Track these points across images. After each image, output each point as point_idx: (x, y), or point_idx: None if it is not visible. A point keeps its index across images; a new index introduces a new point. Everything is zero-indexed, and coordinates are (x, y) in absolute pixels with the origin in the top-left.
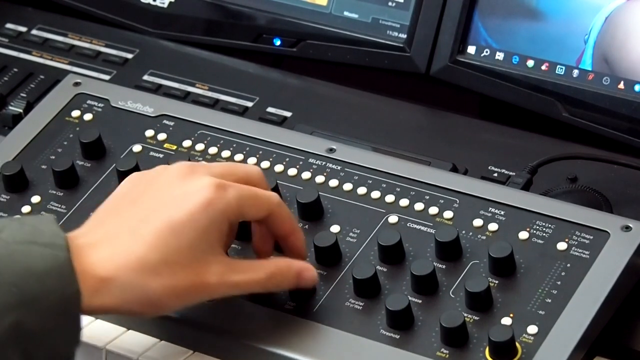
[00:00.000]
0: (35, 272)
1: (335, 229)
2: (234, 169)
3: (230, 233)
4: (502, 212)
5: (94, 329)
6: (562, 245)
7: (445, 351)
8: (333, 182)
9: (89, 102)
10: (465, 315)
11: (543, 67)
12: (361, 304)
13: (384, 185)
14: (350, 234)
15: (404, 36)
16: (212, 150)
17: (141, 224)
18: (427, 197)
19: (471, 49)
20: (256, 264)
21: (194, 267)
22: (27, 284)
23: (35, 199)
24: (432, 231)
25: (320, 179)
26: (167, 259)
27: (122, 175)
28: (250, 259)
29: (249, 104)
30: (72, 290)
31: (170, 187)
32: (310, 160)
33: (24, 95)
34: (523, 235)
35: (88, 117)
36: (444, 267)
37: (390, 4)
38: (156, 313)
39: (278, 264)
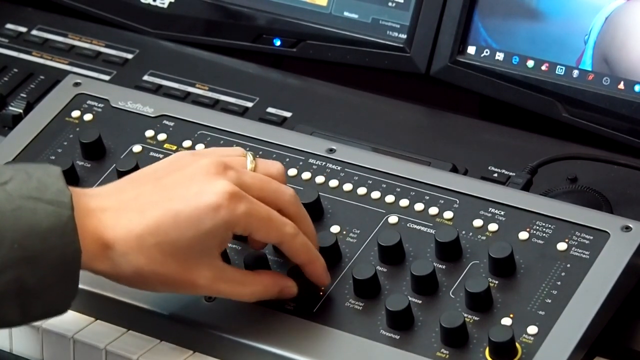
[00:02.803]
0: (38, 230)
1: (335, 229)
2: (266, 186)
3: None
4: (502, 213)
5: (94, 329)
6: (562, 246)
7: (445, 351)
8: (333, 183)
9: (89, 102)
10: (465, 315)
11: (543, 68)
12: (361, 304)
13: (384, 186)
14: (350, 234)
15: (404, 36)
16: None
17: (151, 206)
18: (427, 198)
19: (471, 49)
20: (245, 278)
21: (186, 264)
22: (29, 242)
23: None
24: (432, 231)
25: (320, 179)
26: (163, 248)
27: (122, 175)
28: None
29: (249, 104)
30: (72, 249)
31: (193, 180)
32: (310, 160)
33: (24, 95)
34: (523, 235)
35: (88, 117)
36: (444, 267)
37: (390, 4)
38: (145, 290)
39: (264, 282)
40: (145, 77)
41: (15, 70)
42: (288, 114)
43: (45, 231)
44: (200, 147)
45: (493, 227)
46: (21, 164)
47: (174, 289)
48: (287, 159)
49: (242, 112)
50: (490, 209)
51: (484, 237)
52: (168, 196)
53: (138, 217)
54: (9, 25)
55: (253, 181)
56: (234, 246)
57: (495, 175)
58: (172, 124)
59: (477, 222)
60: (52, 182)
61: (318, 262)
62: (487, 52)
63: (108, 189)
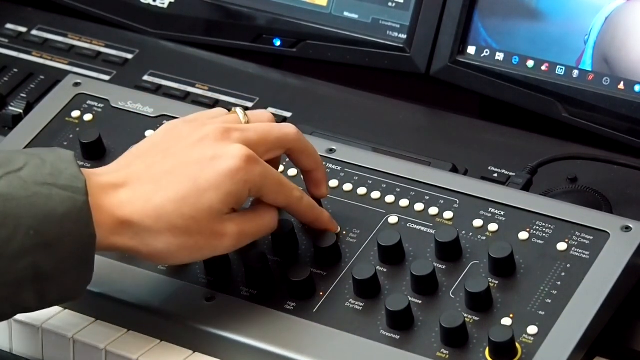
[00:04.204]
0: (54, 216)
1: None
2: (270, 133)
3: None
4: (502, 213)
5: (94, 329)
6: (562, 246)
7: (445, 351)
8: (333, 183)
9: (89, 102)
10: (465, 315)
11: (543, 68)
12: (361, 304)
13: (384, 186)
14: (351, 234)
15: (404, 36)
16: None
17: (166, 175)
18: (427, 198)
19: (471, 49)
20: (258, 210)
21: (208, 226)
22: (45, 228)
23: None
24: (432, 231)
25: None
26: (184, 213)
27: None
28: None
29: (249, 104)
30: (87, 233)
31: (204, 147)
32: None
33: (24, 95)
34: (523, 235)
35: (88, 117)
36: (444, 267)
37: (390, 4)
38: (166, 263)
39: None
40: (145, 77)
41: (15, 70)
42: (288, 114)
43: (60, 217)
44: None
45: (493, 227)
46: (34, 149)
47: (198, 254)
48: (288, 160)
49: None
50: (490, 209)
51: (484, 237)
52: (183, 164)
53: (154, 187)
54: (9, 25)
55: (257, 134)
56: None
57: (495, 175)
58: None
59: (477, 222)
60: (66, 167)
61: (323, 217)
62: (487, 52)
63: (116, 166)
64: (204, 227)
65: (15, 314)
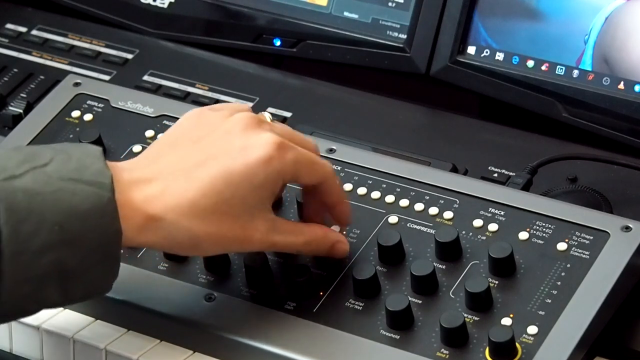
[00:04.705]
0: (79, 212)
1: (335, 229)
2: (293, 134)
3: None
4: (502, 213)
5: (94, 329)
6: (562, 246)
7: (445, 351)
8: None
9: (89, 102)
10: (465, 315)
11: (543, 68)
12: (361, 304)
13: (384, 186)
14: (351, 234)
15: (404, 36)
16: None
17: (197, 168)
18: (427, 198)
19: (471, 49)
20: (298, 228)
21: (241, 220)
22: (69, 223)
23: None
24: (432, 231)
25: None
26: (217, 207)
27: None
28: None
29: (249, 104)
30: (113, 230)
31: (233, 136)
32: None
33: (24, 95)
34: (523, 235)
35: (88, 117)
36: (444, 267)
37: (390, 4)
38: (196, 254)
39: (316, 232)
40: (145, 77)
41: (15, 70)
42: (288, 114)
43: (84, 212)
44: None
45: (493, 227)
46: (62, 144)
47: (227, 247)
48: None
49: None
50: (490, 209)
51: (484, 237)
52: (213, 155)
53: (186, 182)
54: (9, 25)
55: (284, 131)
56: None
57: (495, 175)
58: (172, 124)
59: (477, 222)
60: (92, 162)
61: (347, 203)
62: (487, 52)
63: (143, 160)
64: (236, 221)
65: (40, 310)
